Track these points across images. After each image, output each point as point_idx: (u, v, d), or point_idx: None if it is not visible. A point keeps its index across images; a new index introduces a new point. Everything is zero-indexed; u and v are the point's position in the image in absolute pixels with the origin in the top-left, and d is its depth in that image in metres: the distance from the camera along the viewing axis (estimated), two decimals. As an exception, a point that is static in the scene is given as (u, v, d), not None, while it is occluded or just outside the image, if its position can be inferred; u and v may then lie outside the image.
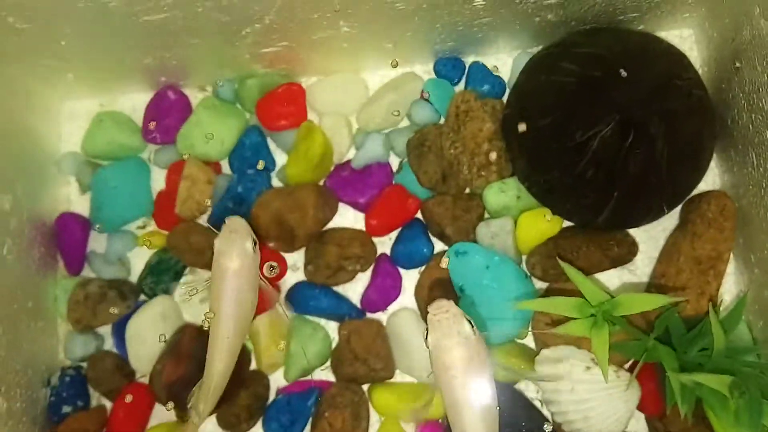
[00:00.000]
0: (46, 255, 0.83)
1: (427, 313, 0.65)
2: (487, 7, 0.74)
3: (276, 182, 0.86)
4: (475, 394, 0.63)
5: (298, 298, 0.82)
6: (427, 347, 0.64)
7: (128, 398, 0.79)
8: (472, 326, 0.64)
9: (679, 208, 0.80)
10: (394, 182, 0.84)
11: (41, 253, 0.82)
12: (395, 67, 0.85)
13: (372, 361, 0.79)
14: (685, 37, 0.85)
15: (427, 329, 0.64)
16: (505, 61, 0.87)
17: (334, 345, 0.82)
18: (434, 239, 0.83)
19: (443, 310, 0.64)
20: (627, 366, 0.77)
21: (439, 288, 0.79)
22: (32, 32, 0.71)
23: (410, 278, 0.83)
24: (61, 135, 0.89)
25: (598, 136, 0.71)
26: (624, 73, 0.71)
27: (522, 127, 0.70)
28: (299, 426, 0.79)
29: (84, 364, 0.82)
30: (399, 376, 0.81)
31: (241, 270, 0.67)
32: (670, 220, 0.80)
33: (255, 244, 0.67)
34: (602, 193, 0.73)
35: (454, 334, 0.63)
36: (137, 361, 0.81)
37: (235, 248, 0.66)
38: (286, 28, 0.75)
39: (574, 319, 0.71)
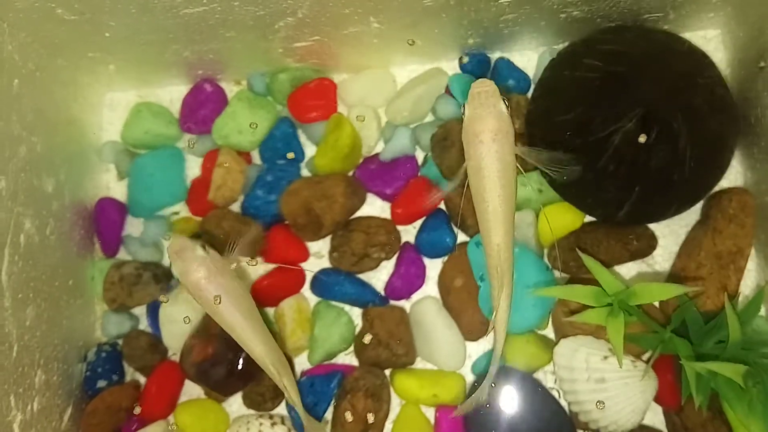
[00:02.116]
0: (85, 237, 0.87)
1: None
2: (513, 3, 0.76)
3: (305, 172, 0.89)
4: (498, 161, 0.69)
5: (323, 284, 0.84)
6: (463, 116, 0.71)
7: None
8: (507, 107, 0.70)
9: (700, 204, 0.81)
10: (419, 174, 0.86)
11: (81, 235, 0.86)
12: (412, 45, 0.86)
13: (394, 346, 0.81)
14: (710, 37, 0.86)
15: (465, 103, 0.71)
16: (530, 57, 0.89)
17: (357, 330, 0.84)
18: (457, 231, 0.85)
19: (485, 85, 0.71)
20: (645, 358, 0.78)
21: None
22: (79, 24, 0.75)
23: (434, 268, 0.85)
24: (102, 124, 0.94)
25: (621, 131, 0.72)
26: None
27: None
28: (322, 407, 0.81)
29: (119, 342, 0.86)
30: (420, 363, 0.83)
31: (209, 274, 0.71)
32: (692, 215, 0.81)
33: (204, 247, 0.72)
34: (623, 188, 0.74)
35: (489, 105, 0.69)
36: (170, 340, 0.84)
37: (191, 262, 0.71)
38: (318, 23, 0.78)
39: (592, 307, 0.72)
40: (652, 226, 0.82)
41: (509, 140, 0.70)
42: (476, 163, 0.70)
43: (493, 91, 0.70)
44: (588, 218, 0.83)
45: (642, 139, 0.71)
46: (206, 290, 0.71)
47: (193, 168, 0.91)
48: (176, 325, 0.83)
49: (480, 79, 0.72)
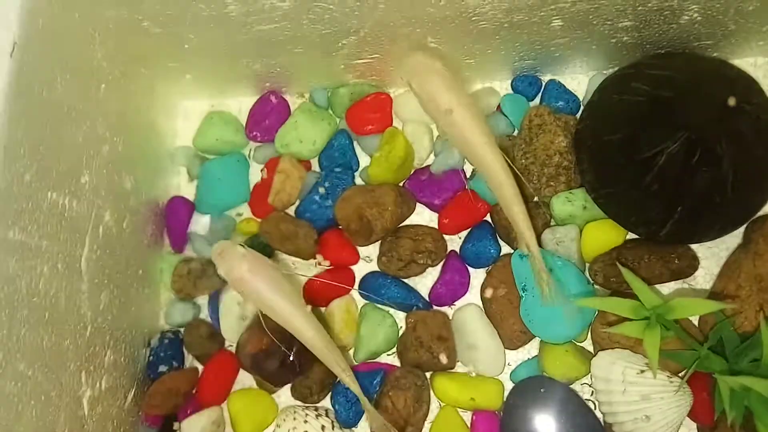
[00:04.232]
0: (156, 232, 0.94)
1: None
2: (565, 27, 0.80)
3: (359, 181, 0.94)
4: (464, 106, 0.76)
5: (370, 287, 0.89)
6: (417, 96, 0.79)
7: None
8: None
9: (743, 228, 0.83)
10: (467, 187, 0.90)
11: (152, 230, 0.93)
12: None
13: (435, 349, 0.85)
14: (759, 65, 0.88)
15: (407, 80, 0.79)
16: (581, 81, 0.92)
17: (401, 333, 0.88)
18: (501, 243, 0.89)
19: (417, 56, 0.79)
20: (682, 374, 0.79)
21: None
22: (162, 36, 0.82)
23: (477, 277, 0.89)
24: (176, 130, 1.01)
25: (666, 152, 0.74)
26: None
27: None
28: (364, 402, 0.85)
29: (181, 330, 0.93)
30: (460, 368, 0.87)
31: (252, 268, 0.75)
32: (733, 238, 0.83)
33: (243, 246, 0.77)
34: (666, 207, 0.76)
35: (425, 71, 0.77)
36: (227, 331, 0.90)
37: (234, 260, 0.75)
38: (379, 41, 0.83)
39: (630, 320, 0.74)
40: (694, 247, 0.84)
41: (459, 82, 0.78)
42: (447, 120, 0.77)
43: (427, 59, 0.78)
44: (630, 236, 0.85)
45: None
46: (249, 283, 0.75)
47: (256, 173, 0.97)
48: (233, 317, 0.89)
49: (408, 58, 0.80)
